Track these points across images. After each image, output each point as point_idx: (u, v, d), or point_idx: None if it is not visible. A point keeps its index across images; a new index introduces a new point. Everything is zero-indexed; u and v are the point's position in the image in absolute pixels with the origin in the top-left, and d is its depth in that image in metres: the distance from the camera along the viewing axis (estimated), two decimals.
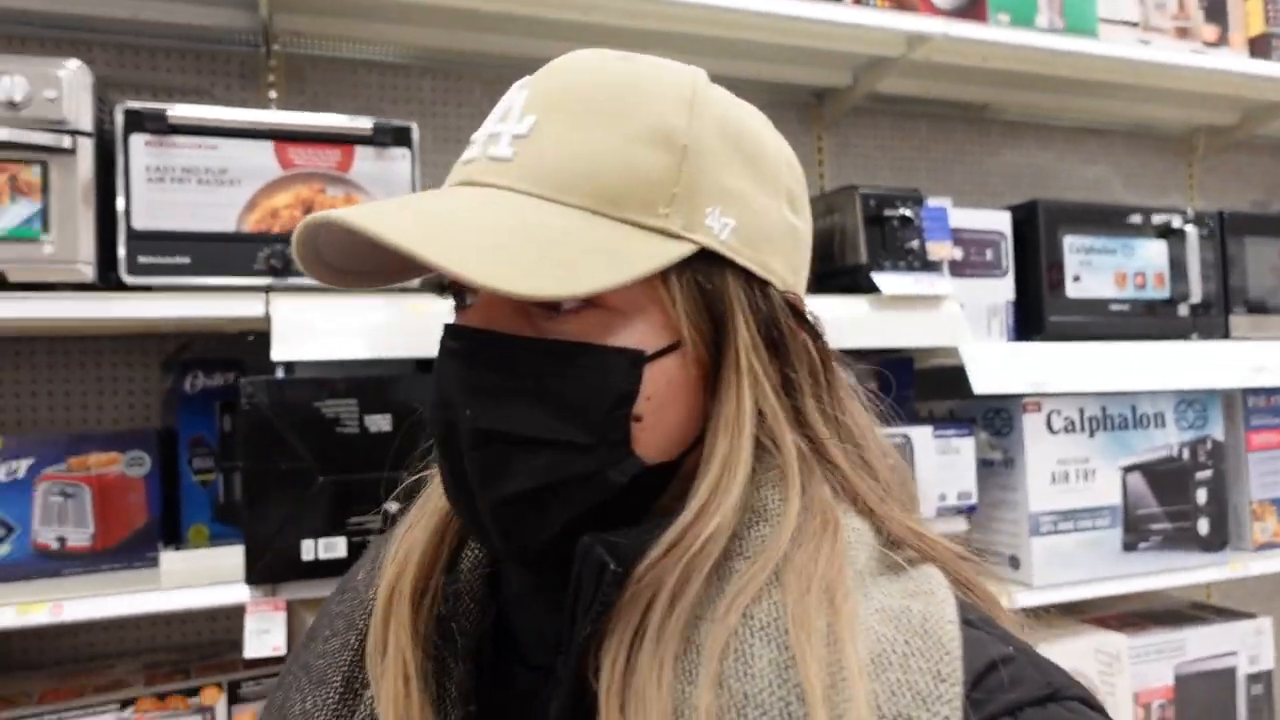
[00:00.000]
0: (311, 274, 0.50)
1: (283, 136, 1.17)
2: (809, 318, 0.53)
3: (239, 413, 1.08)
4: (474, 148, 0.50)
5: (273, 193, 1.17)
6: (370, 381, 1.13)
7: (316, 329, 1.12)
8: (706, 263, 0.49)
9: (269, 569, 1.09)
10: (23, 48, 1.38)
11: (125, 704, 1.17)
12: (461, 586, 0.54)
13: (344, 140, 1.20)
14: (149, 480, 1.22)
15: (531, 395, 0.47)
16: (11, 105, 1.07)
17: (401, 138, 1.22)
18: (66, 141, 1.09)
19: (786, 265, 0.52)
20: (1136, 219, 1.66)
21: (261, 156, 1.17)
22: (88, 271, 1.09)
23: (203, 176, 1.14)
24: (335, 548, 1.11)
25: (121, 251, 1.11)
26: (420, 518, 0.56)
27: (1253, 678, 1.81)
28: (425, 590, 0.53)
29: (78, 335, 1.37)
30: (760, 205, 0.51)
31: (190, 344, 1.35)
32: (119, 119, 1.12)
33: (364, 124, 1.20)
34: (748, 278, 0.50)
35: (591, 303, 0.47)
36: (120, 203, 1.12)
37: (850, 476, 0.50)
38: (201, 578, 1.15)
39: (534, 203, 0.46)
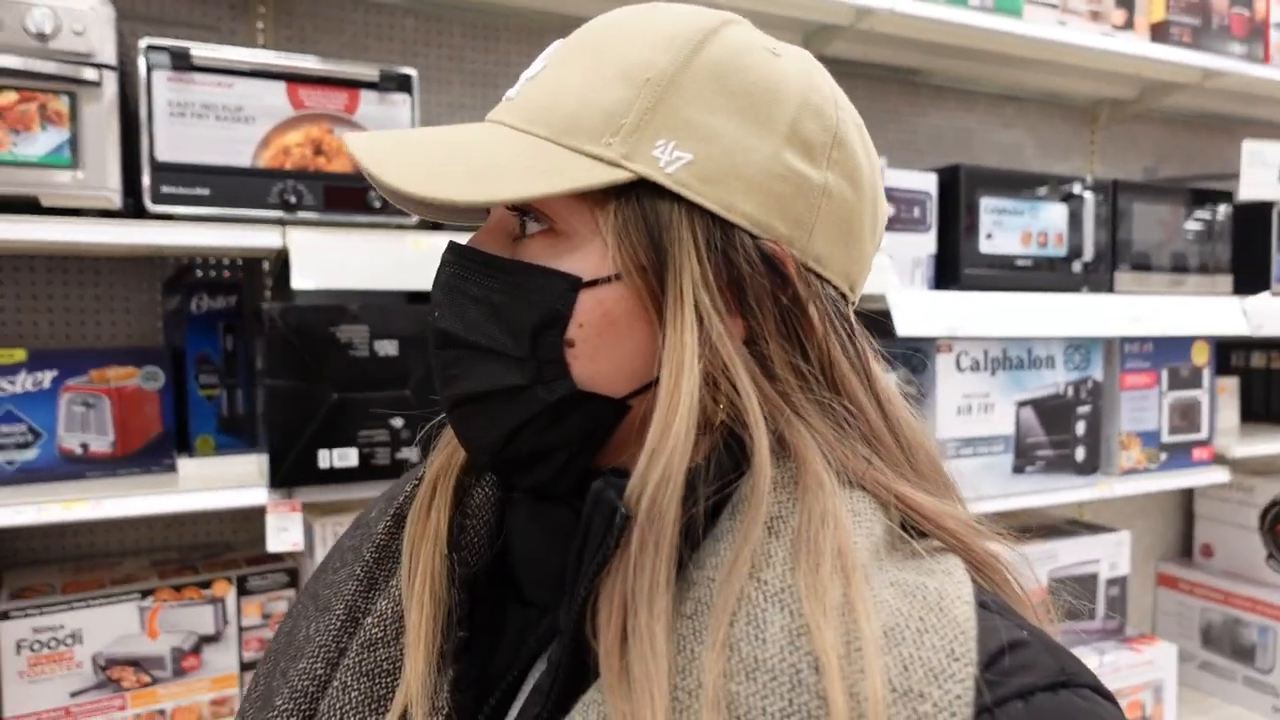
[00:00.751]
0: (395, 200, 0.53)
1: (294, 79, 1.26)
2: (786, 269, 0.49)
3: (264, 334, 1.20)
4: (514, 88, 0.54)
5: (285, 131, 1.26)
6: (380, 309, 1.26)
7: (328, 260, 1.23)
8: (653, 196, 0.48)
9: (288, 474, 1.22)
10: None
11: (145, 594, 1.30)
12: (469, 519, 0.56)
13: (351, 84, 1.29)
14: (163, 394, 1.32)
15: (484, 306, 0.50)
16: (41, 37, 1.13)
17: (404, 84, 1.32)
18: (92, 74, 1.16)
19: (771, 211, 0.49)
20: (1044, 188, 1.88)
21: (274, 97, 1.25)
22: (115, 199, 1.17)
23: (220, 113, 1.23)
24: (347, 457, 1.25)
25: (146, 181, 1.19)
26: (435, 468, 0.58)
27: (1111, 581, 2.13)
28: (462, 487, 0.57)
29: (78, 256, 1.44)
30: (740, 144, 0.49)
31: (192, 268, 1.44)
32: (143, 55, 1.19)
33: (370, 70, 1.30)
34: (707, 217, 0.48)
35: (550, 229, 0.49)
36: (144, 134, 1.19)
37: (827, 436, 0.49)
38: (215, 482, 1.27)
39: (508, 133, 0.50)
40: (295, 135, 1.27)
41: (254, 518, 1.53)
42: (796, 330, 0.50)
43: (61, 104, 1.15)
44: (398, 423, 1.27)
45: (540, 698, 0.47)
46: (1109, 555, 2.12)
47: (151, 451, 1.31)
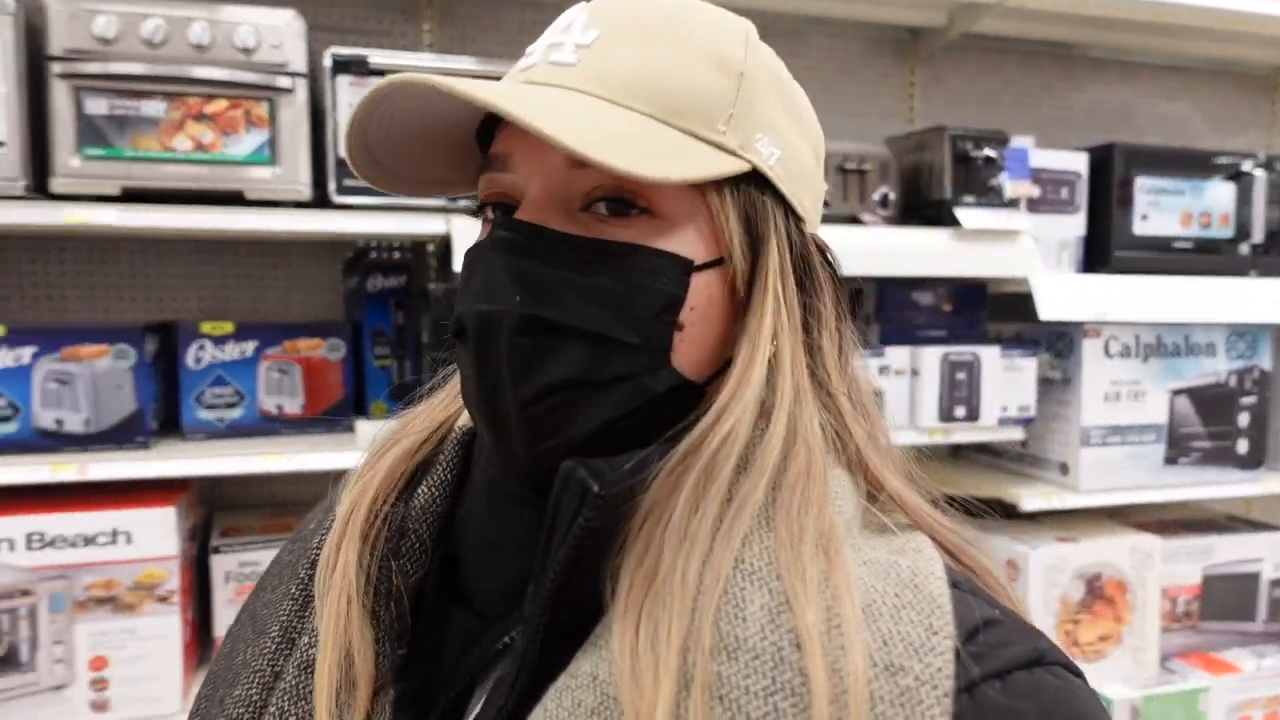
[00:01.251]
0: (359, 165, 0.51)
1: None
2: (833, 261, 0.54)
3: (430, 311, 1.33)
4: (533, 55, 0.50)
5: None
6: None
7: None
8: (754, 185, 0.50)
9: None
10: None
11: None
12: (409, 524, 0.53)
13: None
14: (344, 363, 1.49)
15: (585, 289, 0.47)
16: (246, 51, 1.30)
17: None
18: (287, 82, 1.32)
19: (814, 208, 0.54)
20: (1211, 165, 1.79)
21: None
22: (305, 191, 1.34)
23: None
24: None
25: (331, 175, 1.35)
26: (389, 449, 0.56)
27: (1275, 582, 2.01)
28: (379, 518, 0.53)
29: (273, 241, 1.63)
30: (798, 147, 0.52)
31: (368, 251, 1.60)
32: (327, 62, 1.34)
33: None
34: (786, 209, 0.51)
35: (646, 209, 0.47)
36: (330, 134, 1.35)
37: (849, 421, 0.51)
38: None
39: (601, 103, 0.47)
40: None
41: None
42: (837, 318, 0.53)
43: (262, 109, 1.31)
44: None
45: (505, 689, 0.46)
46: (1273, 555, 2.00)
47: (334, 414, 1.48)
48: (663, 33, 0.49)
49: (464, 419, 0.57)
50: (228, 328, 1.43)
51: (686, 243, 0.48)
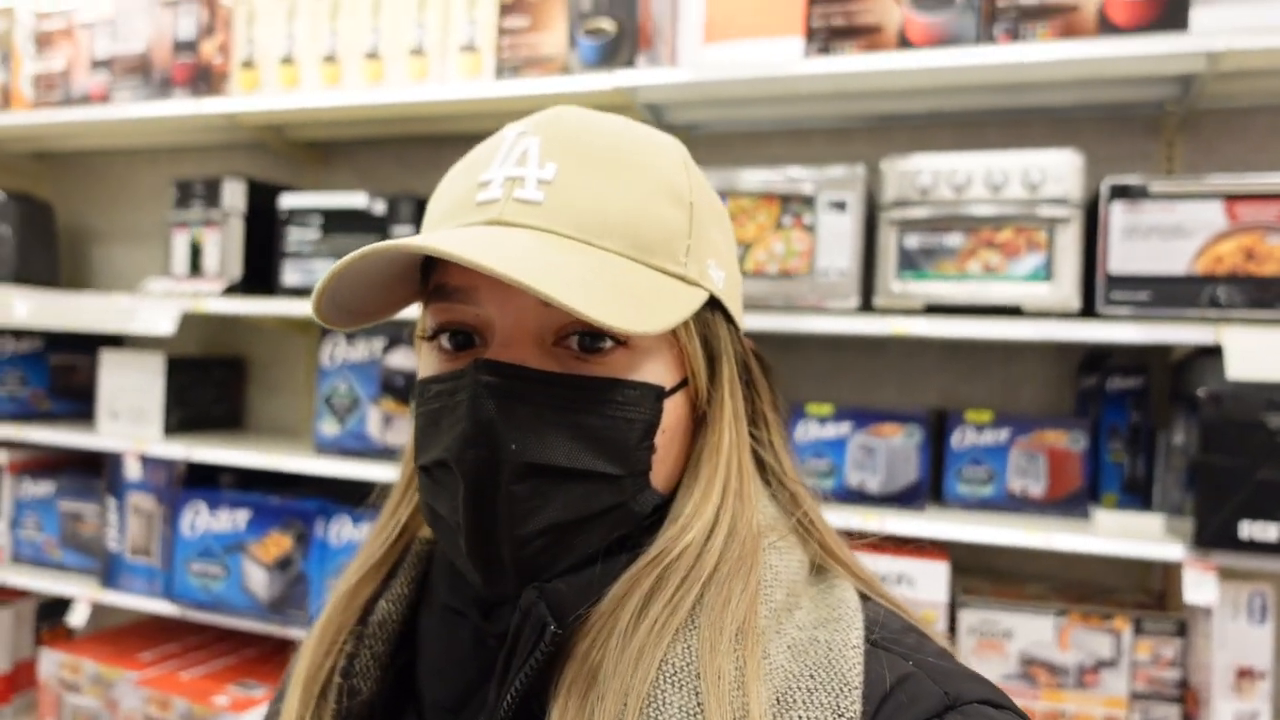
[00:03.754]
0: (323, 311, 0.51)
1: (1231, 196, 1.46)
2: (763, 358, 0.59)
3: (1199, 414, 1.42)
4: (492, 188, 0.51)
5: (1219, 241, 1.47)
6: None
7: (1260, 354, 1.39)
8: (707, 308, 0.54)
9: (1210, 538, 1.41)
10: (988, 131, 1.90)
11: (1061, 612, 1.63)
12: (365, 642, 0.56)
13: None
14: (1084, 456, 1.64)
15: (571, 429, 0.48)
16: (1032, 188, 1.56)
17: None
18: (1065, 212, 1.54)
19: (741, 311, 0.58)
20: None
21: (1211, 213, 1.47)
22: (1074, 304, 1.53)
23: (1163, 231, 1.49)
24: (1267, 531, 1.39)
25: (1100, 289, 1.53)
26: (340, 581, 0.60)
27: None
28: (321, 664, 0.56)
29: (1008, 343, 1.87)
30: (731, 260, 0.56)
31: (1108, 354, 1.74)
32: (1104, 189, 1.53)
33: None
34: (729, 324, 0.55)
35: (621, 343, 0.50)
36: (1101, 252, 1.53)
37: (800, 495, 0.55)
38: (1123, 533, 1.53)
39: (578, 246, 0.49)
40: (1229, 244, 1.46)
41: (1143, 568, 1.75)
42: (773, 408, 0.57)
43: (1042, 235, 1.55)
44: None
45: None
46: None
47: (1071, 500, 1.64)
48: (618, 165, 0.51)
49: (424, 530, 0.60)
50: (986, 417, 1.68)
51: (657, 371, 0.51)
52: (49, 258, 2.57)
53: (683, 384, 0.53)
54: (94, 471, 2.38)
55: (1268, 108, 1.72)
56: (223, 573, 2.08)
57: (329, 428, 2.04)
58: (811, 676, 0.46)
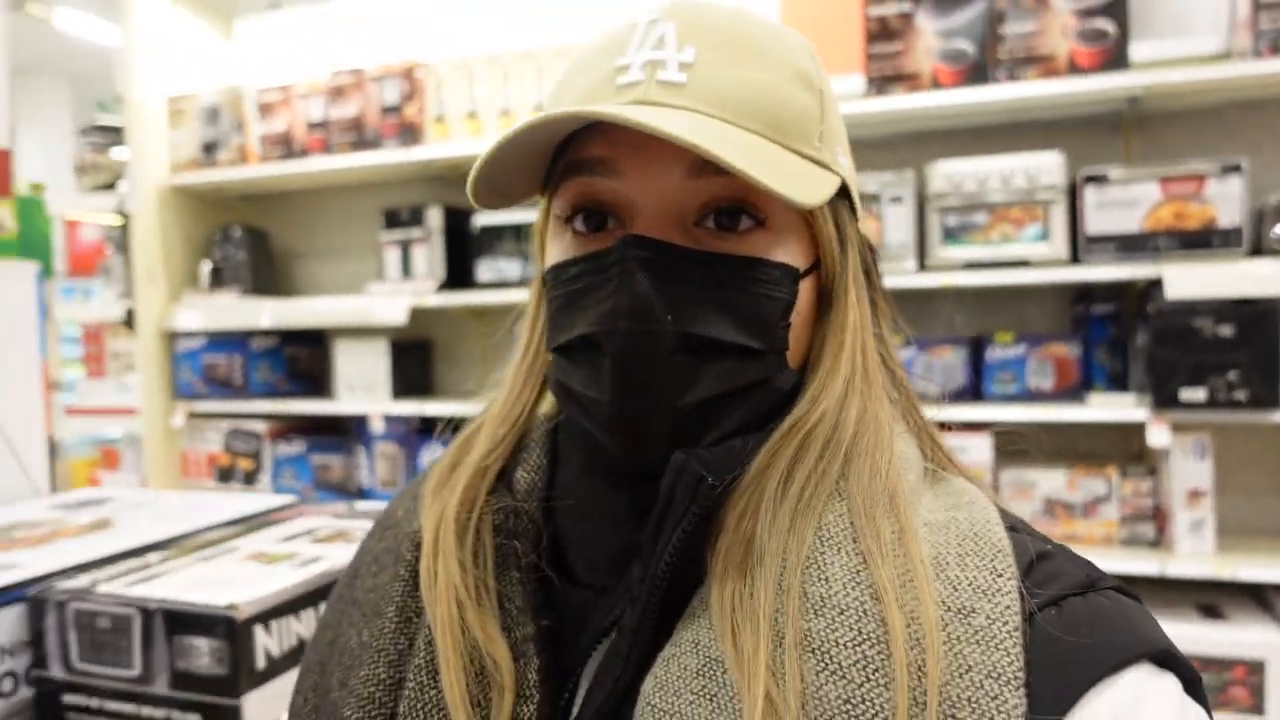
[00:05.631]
0: (477, 191, 0.53)
1: (1164, 178, 2.20)
2: (876, 252, 0.58)
3: (1152, 324, 2.16)
4: (632, 71, 0.51)
5: (1158, 208, 2.21)
6: (1220, 307, 2.11)
7: (1188, 281, 2.13)
8: (839, 197, 0.54)
9: (1162, 402, 2.16)
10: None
11: (1069, 467, 2.38)
12: (520, 505, 0.56)
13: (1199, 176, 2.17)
14: (1079, 360, 2.39)
15: (721, 304, 0.50)
16: (1030, 179, 2.29)
17: (1234, 169, 2.14)
18: (1054, 195, 2.27)
19: (859, 205, 0.57)
20: None
21: (1151, 190, 2.21)
22: (1065, 256, 2.27)
23: (1121, 204, 2.23)
24: (1197, 394, 2.13)
25: (1081, 245, 2.27)
26: (464, 456, 0.59)
27: None
28: (469, 519, 0.55)
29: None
30: (848, 152, 0.56)
31: (1092, 290, 2.48)
32: (1080, 177, 2.27)
33: (1209, 165, 2.16)
34: (852, 214, 0.56)
35: (761, 222, 0.51)
36: (1080, 220, 2.27)
37: (910, 392, 0.56)
38: (1108, 407, 2.27)
39: (724, 125, 0.49)
40: (1164, 210, 2.20)
41: (1124, 438, 2.50)
42: (887, 305, 0.59)
43: (1040, 211, 2.29)
44: (1232, 376, 2.10)
45: (619, 662, 0.48)
46: None
47: (1071, 391, 2.39)
48: (753, 49, 0.51)
49: (543, 409, 0.61)
50: (1009, 337, 2.43)
51: (792, 251, 0.52)
52: (271, 274, 3.33)
53: (813, 268, 0.54)
54: (330, 431, 3.15)
55: (1190, 111, 2.45)
56: None
57: None
58: (960, 544, 0.47)
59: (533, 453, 0.59)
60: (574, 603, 0.54)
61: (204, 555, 0.91)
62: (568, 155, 0.53)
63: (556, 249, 0.55)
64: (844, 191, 0.55)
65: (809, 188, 0.49)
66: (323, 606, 0.82)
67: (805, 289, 0.53)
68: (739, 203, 0.50)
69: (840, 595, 0.44)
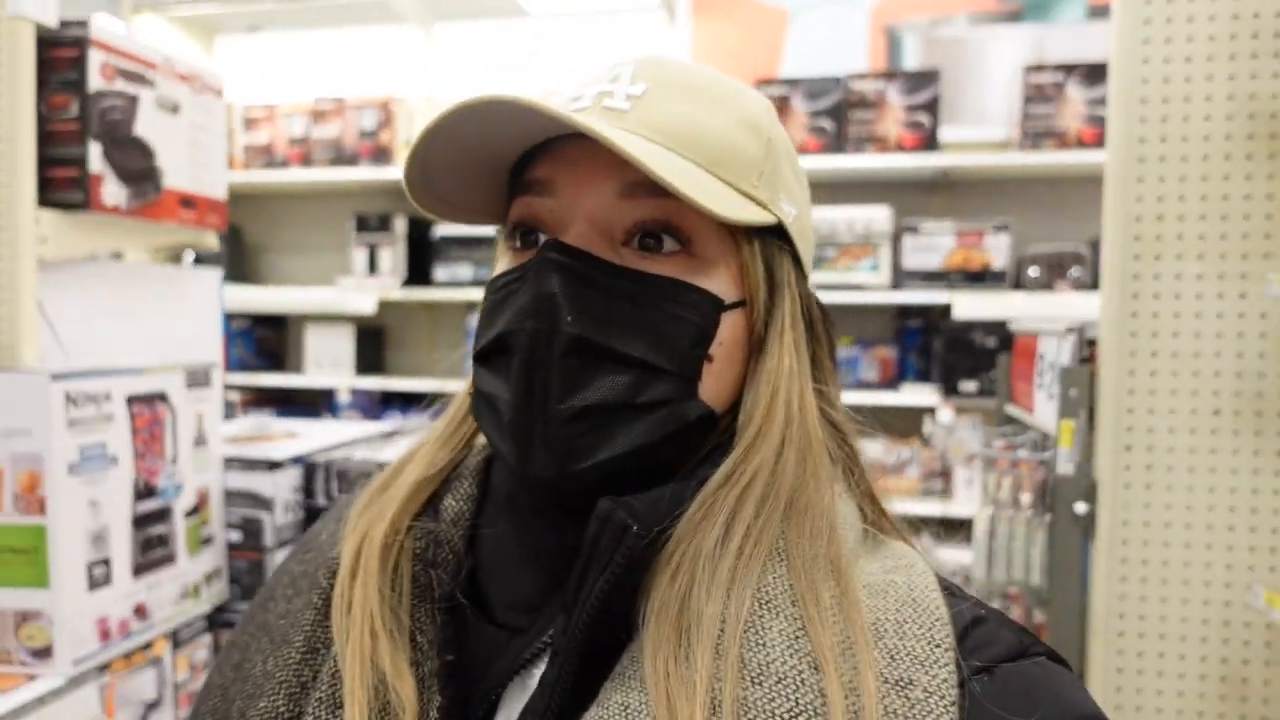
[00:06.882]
0: (417, 189, 0.54)
1: (959, 232, 3.08)
2: (826, 312, 0.59)
3: (945, 337, 3.04)
4: (582, 100, 0.53)
5: (953, 253, 3.09)
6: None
7: (970, 306, 3.01)
8: (774, 238, 0.55)
9: (948, 391, 3.04)
10: None
11: (882, 439, 3.25)
12: (442, 536, 0.55)
13: None
14: (897, 360, 3.26)
15: (630, 318, 0.50)
16: (867, 225, 3.14)
17: None
18: (882, 238, 3.13)
19: (810, 265, 0.59)
20: None
21: (949, 239, 3.09)
22: (888, 283, 3.13)
23: (927, 249, 3.10)
24: (970, 386, 3.02)
25: (900, 277, 3.13)
26: (396, 477, 0.59)
27: None
28: (392, 545, 0.54)
29: None
30: (805, 211, 0.58)
31: (909, 309, 3.36)
32: (901, 226, 3.13)
33: None
34: (795, 263, 0.56)
35: (686, 246, 0.51)
36: (898, 257, 3.14)
37: (854, 451, 0.56)
38: (915, 394, 3.14)
39: (655, 146, 0.50)
40: (957, 255, 3.08)
41: (920, 419, 3.39)
42: (831, 360, 0.59)
43: (871, 249, 3.14)
44: (995, 374, 3.01)
45: (534, 717, 0.47)
46: None
47: (890, 382, 3.25)
48: (704, 93, 0.54)
49: (480, 439, 0.61)
50: (848, 340, 3.28)
51: (717, 282, 0.52)
52: (241, 265, 3.84)
53: (740, 304, 0.53)
54: (293, 403, 3.70)
55: (981, 181, 3.37)
56: None
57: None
58: (898, 611, 0.46)
59: (464, 481, 0.58)
60: (485, 639, 0.53)
61: (390, 443, 1.56)
62: (519, 176, 0.55)
63: (499, 265, 0.56)
64: (785, 238, 0.56)
65: (731, 209, 0.50)
66: None
67: (731, 324, 0.53)
68: (666, 223, 0.51)
69: (778, 663, 0.43)
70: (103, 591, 1.11)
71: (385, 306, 3.58)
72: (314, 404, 3.77)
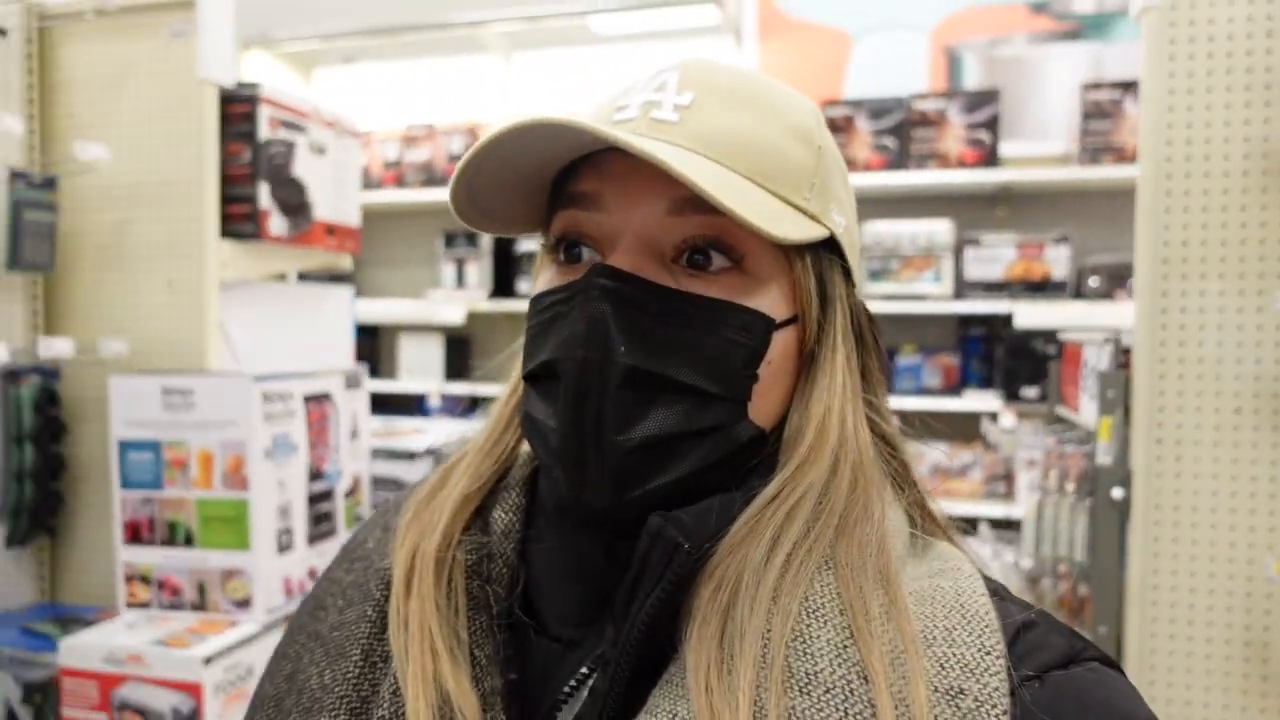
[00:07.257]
0: (461, 204, 0.53)
1: (1019, 244, 3.21)
2: (877, 326, 0.58)
3: (1007, 345, 3.17)
4: (628, 110, 0.52)
5: (1014, 264, 3.22)
6: None
7: (1032, 315, 3.13)
8: (825, 251, 0.54)
9: (1010, 397, 3.16)
10: None
11: (949, 442, 3.38)
12: (494, 549, 0.55)
13: None
14: (960, 367, 3.39)
15: (682, 343, 0.49)
16: (930, 238, 3.29)
17: None
18: (944, 250, 3.27)
19: (860, 276, 0.58)
20: None
21: (1010, 250, 3.22)
22: (951, 293, 3.27)
23: (989, 260, 3.24)
24: (1030, 392, 3.14)
25: (963, 287, 3.26)
26: (442, 488, 0.58)
27: None
28: (445, 559, 0.54)
29: None
30: (852, 219, 0.57)
31: (970, 318, 3.49)
32: (963, 239, 3.27)
33: None
34: (845, 275, 0.55)
35: (738, 264, 0.50)
36: (962, 269, 3.27)
37: (905, 461, 0.55)
38: (978, 400, 3.27)
39: (707, 161, 0.49)
40: (1018, 266, 3.21)
41: (980, 422, 3.51)
42: (881, 373, 0.58)
43: (934, 260, 3.28)
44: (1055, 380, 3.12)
45: (597, 701, 0.48)
46: None
47: (954, 388, 3.38)
48: (753, 102, 0.52)
49: (524, 448, 0.60)
50: (912, 348, 3.42)
51: (769, 299, 0.51)
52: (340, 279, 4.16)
53: (792, 320, 0.52)
54: (387, 406, 4.00)
55: (1041, 194, 3.48)
56: None
57: None
58: (946, 618, 0.45)
59: (512, 492, 0.58)
60: (541, 655, 0.53)
61: None
62: (564, 187, 0.54)
63: (542, 280, 0.55)
64: (836, 249, 0.55)
65: (786, 226, 0.49)
66: None
67: (782, 342, 0.52)
68: (717, 240, 0.50)
69: (826, 672, 0.43)
70: (287, 555, 1.35)
71: (472, 317, 3.85)
72: (407, 407, 4.06)
